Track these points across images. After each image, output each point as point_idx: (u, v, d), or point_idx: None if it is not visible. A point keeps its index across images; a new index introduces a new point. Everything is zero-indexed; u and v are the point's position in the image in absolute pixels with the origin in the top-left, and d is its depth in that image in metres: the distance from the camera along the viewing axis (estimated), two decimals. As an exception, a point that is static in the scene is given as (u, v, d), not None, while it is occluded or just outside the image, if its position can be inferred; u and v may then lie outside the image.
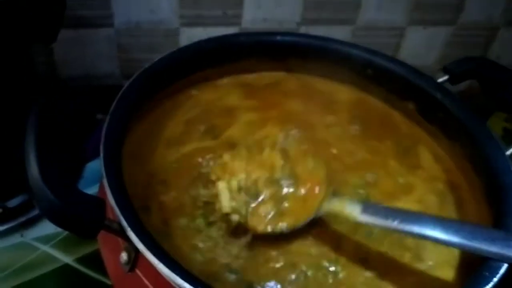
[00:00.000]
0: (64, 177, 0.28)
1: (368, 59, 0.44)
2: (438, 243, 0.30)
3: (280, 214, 0.34)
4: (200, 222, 0.34)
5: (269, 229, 0.33)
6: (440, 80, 0.42)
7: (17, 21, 0.40)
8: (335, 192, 0.35)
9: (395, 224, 0.31)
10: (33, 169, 0.27)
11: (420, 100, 0.42)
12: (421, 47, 0.65)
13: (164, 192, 0.36)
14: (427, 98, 0.41)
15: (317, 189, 0.34)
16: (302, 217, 0.33)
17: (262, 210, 0.33)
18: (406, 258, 0.34)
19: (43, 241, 0.43)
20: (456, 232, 0.30)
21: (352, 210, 0.32)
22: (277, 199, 0.34)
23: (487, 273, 0.29)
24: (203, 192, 0.36)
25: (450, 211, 0.38)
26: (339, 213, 0.33)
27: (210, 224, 0.34)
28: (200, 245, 0.33)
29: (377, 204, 0.35)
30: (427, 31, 0.63)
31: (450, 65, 0.42)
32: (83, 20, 0.54)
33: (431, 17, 0.62)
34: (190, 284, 0.26)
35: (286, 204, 0.34)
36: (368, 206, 0.32)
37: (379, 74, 0.44)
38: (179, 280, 0.26)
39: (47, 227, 0.44)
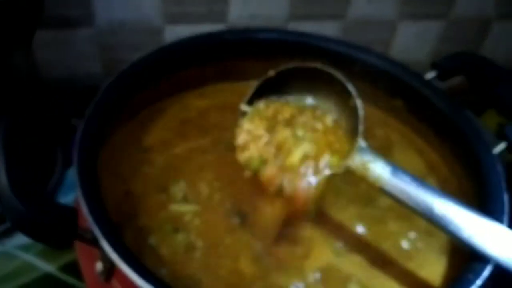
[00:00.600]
0: (35, 186, 0.28)
1: (355, 56, 0.43)
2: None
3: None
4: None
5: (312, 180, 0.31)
6: (429, 76, 0.41)
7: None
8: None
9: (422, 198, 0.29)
10: (2, 178, 0.26)
11: (408, 97, 0.41)
12: (414, 42, 0.64)
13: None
14: (415, 96, 0.40)
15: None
16: (335, 167, 0.32)
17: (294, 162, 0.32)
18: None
19: (24, 249, 0.42)
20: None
21: (383, 168, 0.30)
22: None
23: (471, 276, 0.29)
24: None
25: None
26: (366, 169, 0.31)
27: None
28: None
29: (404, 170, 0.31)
30: (418, 25, 0.62)
31: (439, 61, 0.41)
32: (62, 20, 0.53)
33: (423, 10, 0.61)
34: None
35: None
36: (397, 169, 0.30)
37: (366, 72, 0.42)
38: (153, 292, 0.25)
39: (27, 235, 0.43)
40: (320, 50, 0.43)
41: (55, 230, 0.26)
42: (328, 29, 0.60)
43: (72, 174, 0.45)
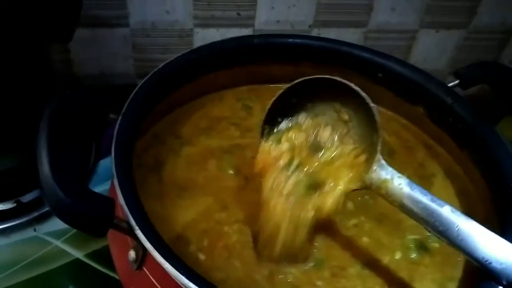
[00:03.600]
0: (75, 176, 0.29)
1: (378, 63, 0.44)
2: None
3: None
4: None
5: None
6: (450, 84, 0.42)
7: (34, 20, 0.41)
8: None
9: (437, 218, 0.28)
10: (44, 167, 0.27)
11: (430, 104, 0.42)
12: (433, 51, 0.65)
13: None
14: (437, 103, 0.41)
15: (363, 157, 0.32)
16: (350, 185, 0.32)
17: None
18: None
19: (55, 236, 0.44)
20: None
21: (400, 184, 0.30)
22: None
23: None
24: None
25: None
26: (384, 186, 0.30)
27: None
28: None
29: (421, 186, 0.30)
30: (439, 34, 0.63)
31: (461, 69, 0.42)
32: (99, 20, 0.55)
33: (444, 20, 0.62)
34: (195, 283, 0.26)
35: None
36: (414, 185, 0.29)
37: (389, 78, 0.43)
38: (184, 280, 0.26)
39: (59, 223, 0.43)
40: (345, 56, 0.45)
41: (93, 219, 0.28)
42: (349, 36, 0.61)
43: (103, 165, 0.48)
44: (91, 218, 0.27)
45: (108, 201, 0.28)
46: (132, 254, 0.30)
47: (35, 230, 0.44)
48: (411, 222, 0.30)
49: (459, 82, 0.42)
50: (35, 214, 0.45)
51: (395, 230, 0.36)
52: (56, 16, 0.42)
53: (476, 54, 0.65)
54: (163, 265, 0.27)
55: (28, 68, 0.44)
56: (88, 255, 0.43)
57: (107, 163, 0.47)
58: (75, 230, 0.44)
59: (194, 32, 0.58)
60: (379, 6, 0.59)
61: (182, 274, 0.27)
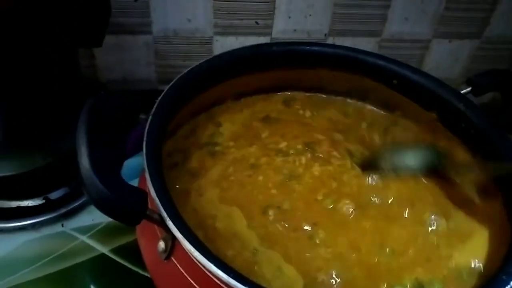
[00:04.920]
0: (111, 170, 0.31)
1: (393, 70, 0.46)
2: None
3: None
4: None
5: None
6: (463, 91, 0.43)
7: (66, 25, 0.43)
8: None
9: None
10: (85, 161, 0.29)
11: (443, 110, 0.43)
12: (446, 60, 0.66)
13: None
14: (450, 109, 0.42)
15: None
16: None
17: None
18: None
19: (82, 231, 0.46)
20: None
21: None
22: None
23: (504, 277, 0.30)
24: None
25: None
26: None
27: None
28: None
29: None
30: (452, 44, 0.65)
31: (473, 77, 0.43)
32: (123, 27, 0.57)
33: (457, 30, 0.63)
34: (223, 271, 0.28)
35: None
36: None
37: (403, 85, 0.45)
38: (213, 268, 0.28)
39: (85, 219, 0.47)
40: (361, 63, 0.46)
41: (130, 210, 0.29)
42: (363, 44, 0.63)
43: (128, 165, 0.49)
44: (127, 209, 0.29)
45: (142, 194, 0.30)
46: (161, 244, 0.32)
47: (62, 225, 0.46)
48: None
49: (471, 89, 0.43)
50: (63, 210, 0.47)
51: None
52: (88, 22, 0.44)
53: (489, 64, 0.67)
54: (192, 254, 0.29)
55: (59, 71, 0.47)
56: (113, 250, 0.45)
57: (132, 163, 0.49)
58: (100, 226, 0.46)
59: (214, 40, 0.60)
60: (393, 16, 0.61)
61: (211, 262, 0.28)
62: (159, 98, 0.38)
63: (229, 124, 0.45)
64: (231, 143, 0.43)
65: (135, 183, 0.40)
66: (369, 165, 0.40)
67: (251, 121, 0.46)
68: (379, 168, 0.38)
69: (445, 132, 0.44)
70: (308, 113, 0.48)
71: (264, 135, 0.44)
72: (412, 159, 0.38)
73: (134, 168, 0.49)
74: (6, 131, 0.47)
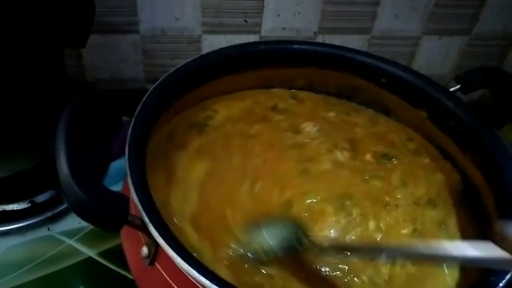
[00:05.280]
0: (91, 175, 0.30)
1: (382, 68, 0.45)
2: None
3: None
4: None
5: None
6: (452, 89, 0.43)
7: (49, 26, 0.42)
8: None
9: None
10: (63, 166, 0.28)
11: (432, 108, 0.43)
12: (436, 57, 0.66)
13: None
14: (439, 107, 0.42)
15: None
16: None
17: None
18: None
19: (69, 235, 0.45)
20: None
21: None
22: None
23: (493, 278, 0.30)
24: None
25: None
26: None
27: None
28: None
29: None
30: (442, 40, 0.64)
31: (462, 74, 0.43)
32: (110, 26, 0.57)
33: (446, 27, 0.63)
34: (206, 278, 0.27)
35: None
36: None
37: (392, 83, 0.45)
38: (195, 274, 0.28)
39: (72, 222, 0.46)
40: (350, 62, 0.46)
41: (109, 216, 0.29)
42: (353, 42, 0.63)
43: (114, 167, 0.49)
44: (107, 214, 0.28)
45: (123, 199, 0.29)
46: (144, 250, 0.31)
47: (49, 229, 0.46)
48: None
49: (460, 87, 0.43)
50: (49, 214, 0.46)
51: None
52: (71, 22, 0.44)
53: (479, 60, 0.66)
54: (175, 260, 0.28)
55: (43, 72, 0.46)
56: (100, 254, 0.44)
57: (118, 165, 0.49)
58: (87, 230, 0.46)
59: (202, 39, 0.60)
60: (382, 13, 0.60)
61: (194, 268, 0.28)
62: (143, 99, 0.37)
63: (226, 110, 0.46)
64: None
65: (121, 185, 0.39)
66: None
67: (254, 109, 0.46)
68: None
69: (433, 129, 0.44)
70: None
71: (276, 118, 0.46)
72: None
73: (121, 170, 0.49)
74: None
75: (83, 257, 0.44)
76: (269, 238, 0.34)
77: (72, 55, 0.58)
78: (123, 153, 0.34)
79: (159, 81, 0.39)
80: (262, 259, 0.34)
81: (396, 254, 0.33)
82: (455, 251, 0.27)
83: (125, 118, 0.36)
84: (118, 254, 0.44)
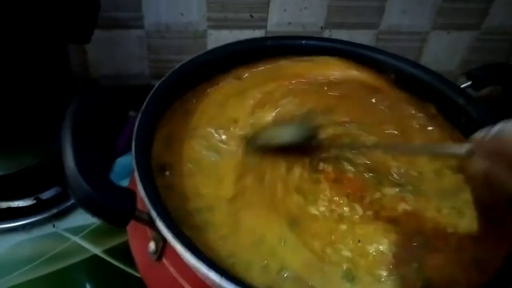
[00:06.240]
0: (98, 170, 0.30)
1: (391, 64, 0.45)
2: None
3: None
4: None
5: None
6: (463, 85, 0.42)
7: (54, 22, 0.42)
8: None
9: None
10: (70, 160, 0.28)
11: (442, 105, 0.43)
12: (445, 52, 0.65)
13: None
14: (450, 103, 0.42)
15: None
16: None
17: None
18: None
19: (74, 232, 0.45)
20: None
21: None
22: None
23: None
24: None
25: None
26: None
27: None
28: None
29: None
30: (450, 35, 0.64)
31: (473, 71, 0.43)
32: (115, 22, 0.56)
33: (455, 21, 0.62)
34: (216, 273, 0.27)
35: None
36: None
37: (402, 79, 0.44)
38: (203, 269, 0.27)
39: (78, 219, 0.46)
40: (358, 58, 0.46)
41: (116, 210, 0.28)
42: (360, 37, 0.62)
43: (120, 164, 0.48)
44: (114, 209, 0.28)
45: (130, 194, 0.29)
46: (152, 245, 0.31)
47: (54, 226, 0.45)
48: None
49: (471, 83, 0.43)
50: (54, 210, 0.46)
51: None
52: (76, 17, 0.43)
53: (488, 56, 0.66)
54: (182, 255, 0.28)
55: (48, 68, 0.46)
56: (105, 251, 0.44)
57: (124, 161, 0.48)
58: (93, 227, 0.45)
59: (207, 34, 0.59)
60: (390, 8, 0.60)
61: (202, 264, 0.27)
62: (149, 95, 0.37)
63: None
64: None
65: (127, 181, 0.39)
66: (254, 143, 0.39)
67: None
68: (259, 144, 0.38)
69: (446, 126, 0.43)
70: None
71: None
72: (287, 133, 0.38)
73: (127, 166, 0.48)
74: (-6, 130, 0.46)
75: (89, 254, 0.44)
76: (283, 132, 0.38)
77: (77, 51, 0.58)
78: (129, 150, 0.33)
79: (165, 76, 0.39)
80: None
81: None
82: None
83: (131, 113, 0.36)
84: (123, 252, 0.43)
